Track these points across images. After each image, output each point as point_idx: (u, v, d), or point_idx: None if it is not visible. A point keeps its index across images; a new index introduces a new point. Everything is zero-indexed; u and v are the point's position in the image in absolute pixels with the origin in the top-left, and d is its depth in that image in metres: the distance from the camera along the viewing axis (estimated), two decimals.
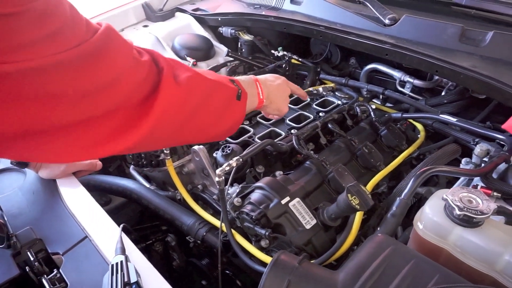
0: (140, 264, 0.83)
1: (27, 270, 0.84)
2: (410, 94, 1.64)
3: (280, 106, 1.11)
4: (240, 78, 0.98)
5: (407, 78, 1.62)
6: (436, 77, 1.58)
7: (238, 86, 0.91)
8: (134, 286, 0.72)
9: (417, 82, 1.59)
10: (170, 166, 1.22)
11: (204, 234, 1.09)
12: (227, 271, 1.19)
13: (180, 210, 1.18)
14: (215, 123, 0.87)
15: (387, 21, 1.48)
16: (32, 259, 0.86)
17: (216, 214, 1.17)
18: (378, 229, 0.91)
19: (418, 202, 1.21)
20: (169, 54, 1.89)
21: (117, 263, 0.76)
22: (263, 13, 1.83)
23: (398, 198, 0.91)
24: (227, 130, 0.93)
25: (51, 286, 0.81)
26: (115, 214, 1.19)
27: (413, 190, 0.91)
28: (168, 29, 2.04)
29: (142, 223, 1.46)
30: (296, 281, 0.73)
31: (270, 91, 1.05)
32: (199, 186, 1.25)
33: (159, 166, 1.34)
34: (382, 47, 1.41)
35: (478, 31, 1.31)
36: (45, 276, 0.83)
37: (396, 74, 1.65)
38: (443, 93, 1.57)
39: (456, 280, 0.69)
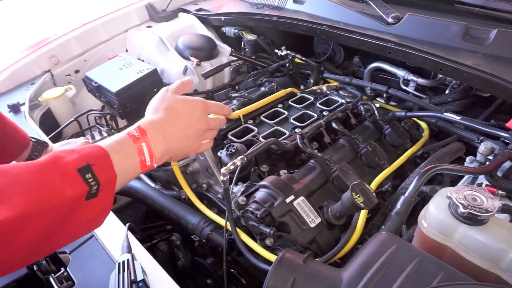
0: (146, 262, 0.84)
1: (35, 269, 0.85)
2: (414, 92, 1.63)
3: (184, 152, 0.82)
4: (115, 143, 0.67)
5: (410, 76, 1.61)
6: (440, 76, 1.58)
7: (96, 177, 0.61)
8: (140, 284, 0.73)
9: (420, 80, 1.59)
10: (175, 166, 1.23)
11: (209, 233, 1.10)
12: (232, 270, 1.20)
13: (185, 209, 1.19)
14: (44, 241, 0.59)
15: (390, 20, 1.48)
16: None
17: (221, 213, 1.18)
18: (383, 227, 0.91)
19: (422, 200, 1.21)
20: (173, 55, 1.90)
21: (123, 262, 0.77)
22: (266, 12, 1.84)
23: (402, 196, 0.91)
24: (71, 238, 0.65)
25: (59, 285, 0.82)
26: (120, 214, 1.19)
27: (417, 188, 0.92)
28: (171, 29, 2.06)
29: (147, 223, 1.47)
30: (301, 279, 0.73)
31: (170, 145, 0.76)
32: (204, 185, 1.26)
33: (163, 166, 1.35)
34: (385, 46, 1.41)
35: (481, 29, 1.31)
36: (53, 274, 0.84)
37: (400, 72, 1.65)
38: (447, 92, 1.56)
39: (461, 278, 0.69)
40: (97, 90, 1.65)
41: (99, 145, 0.65)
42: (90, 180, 0.60)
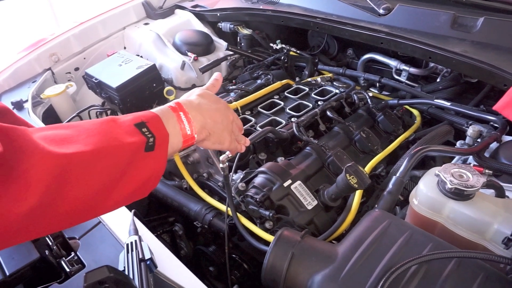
0: (152, 244, 0.88)
1: (46, 253, 0.89)
2: (406, 82, 1.68)
3: (221, 137, 0.82)
4: (157, 111, 0.72)
5: (403, 66, 1.66)
6: (431, 65, 1.62)
7: (151, 131, 0.66)
8: (148, 262, 0.77)
9: (412, 70, 1.64)
10: (176, 156, 1.27)
11: (211, 219, 1.14)
12: (234, 255, 1.24)
13: (187, 198, 1.23)
14: (106, 193, 0.62)
15: (381, 11, 1.53)
16: (50, 243, 0.91)
17: (221, 200, 1.22)
18: (376, 206, 0.96)
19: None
20: (170, 51, 1.94)
21: (131, 242, 0.81)
22: (261, 7, 1.88)
23: (394, 176, 0.96)
24: (133, 193, 0.66)
25: (70, 267, 0.86)
26: None
27: (408, 168, 0.96)
28: (168, 26, 2.09)
29: (150, 216, 1.51)
30: (299, 253, 0.78)
31: (207, 120, 0.77)
32: (205, 175, 1.30)
33: None
34: (377, 36, 1.46)
35: (469, 18, 1.35)
36: (64, 258, 0.88)
37: (392, 63, 1.70)
38: (438, 80, 1.61)
39: (448, 248, 0.74)
40: (98, 86, 1.69)
41: (148, 110, 0.71)
42: (146, 133, 0.65)
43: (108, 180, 0.61)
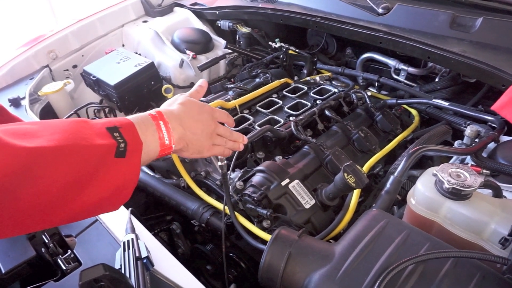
0: (148, 242, 0.88)
1: (43, 251, 0.89)
2: (405, 81, 1.68)
3: (200, 147, 0.82)
4: (136, 118, 0.71)
5: (401, 66, 1.66)
6: (430, 64, 1.62)
7: (123, 137, 0.64)
8: (145, 261, 0.77)
9: (411, 69, 1.64)
10: (174, 154, 1.27)
11: (209, 217, 1.14)
12: (231, 254, 1.24)
13: (184, 196, 1.23)
14: (68, 198, 0.59)
15: (380, 10, 1.53)
16: (47, 241, 0.91)
17: (219, 199, 1.22)
18: (374, 205, 0.96)
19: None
20: (169, 48, 1.94)
21: (128, 241, 0.81)
22: (260, 5, 1.87)
23: (391, 176, 0.96)
24: (102, 200, 0.63)
25: (66, 265, 0.86)
26: None
27: (406, 168, 0.96)
28: (167, 23, 2.09)
29: (147, 214, 1.50)
30: (296, 252, 0.78)
31: (186, 132, 0.77)
32: (202, 173, 1.30)
33: None
34: (376, 36, 1.46)
35: (468, 18, 1.35)
36: (60, 256, 0.88)
37: (391, 62, 1.69)
38: (436, 80, 1.61)
39: (445, 248, 0.74)
40: (96, 84, 1.68)
41: (123, 117, 0.70)
42: (118, 138, 0.64)
43: (73, 181, 0.58)
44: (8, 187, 0.52)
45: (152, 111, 0.75)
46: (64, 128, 0.60)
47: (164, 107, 0.80)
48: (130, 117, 0.70)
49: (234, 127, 1.31)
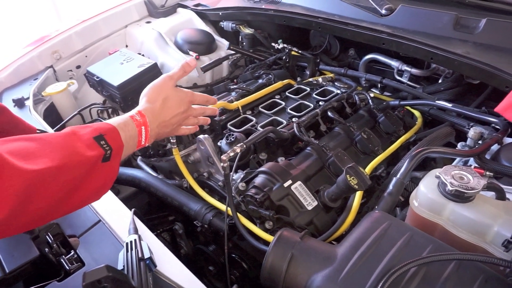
0: (151, 243, 0.88)
1: (46, 251, 0.89)
2: (408, 83, 1.67)
3: (169, 134, 0.96)
4: (119, 123, 0.78)
5: (404, 67, 1.66)
6: (433, 65, 1.62)
7: (108, 144, 0.72)
8: (148, 262, 0.78)
9: (414, 70, 1.63)
10: (177, 155, 1.27)
11: (211, 218, 1.14)
12: (234, 255, 1.24)
13: (187, 197, 1.23)
14: (61, 200, 0.68)
15: (383, 11, 1.52)
16: (50, 241, 0.91)
17: (222, 199, 1.22)
18: (376, 207, 0.96)
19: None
20: (172, 49, 1.94)
21: (131, 241, 0.81)
22: (263, 6, 1.87)
23: (394, 178, 0.96)
24: (85, 200, 0.74)
25: (69, 265, 0.86)
26: None
27: (409, 169, 0.96)
28: (170, 24, 2.09)
29: (149, 215, 1.51)
30: (298, 254, 0.78)
31: (161, 130, 0.89)
32: (205, 174, 1.30)
33: (166, 156, 1.40)
34: (379, 37, 1.45)
35: (471, 19, 1.35)
36: (63, 256, 0.88)
37: (394, 63, 1.69)
38: (439, 81, 1.61)
39: (448, 250, 0.74)
40: (99, 85, 1.68)
41: (107, 122, 0.78)
42: (104, 146, 0.72)
43: (67, 192, 0.67)
44: (18, 208, 0.59)
45: (136, 115, 0.83)
46: (60, 144, 0.67)
47: (148, 103, 0.88)
48: (113, 121, 0.78)
49: (234, 127, 1.31)
